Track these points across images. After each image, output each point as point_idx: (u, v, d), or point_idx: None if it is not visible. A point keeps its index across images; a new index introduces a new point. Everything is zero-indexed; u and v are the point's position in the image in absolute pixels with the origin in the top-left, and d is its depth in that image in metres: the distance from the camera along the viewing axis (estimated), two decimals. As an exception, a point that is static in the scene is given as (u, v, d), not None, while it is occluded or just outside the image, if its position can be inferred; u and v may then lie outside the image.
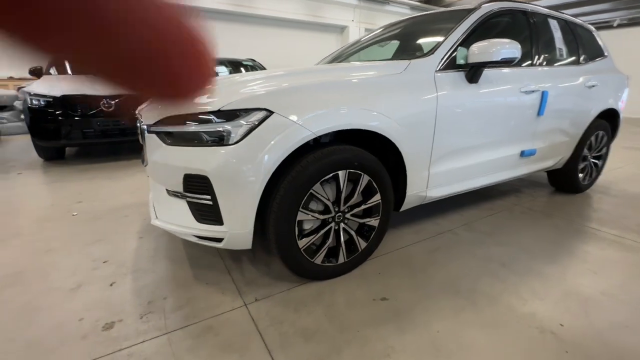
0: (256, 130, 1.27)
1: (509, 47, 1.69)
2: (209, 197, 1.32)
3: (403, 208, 1.84)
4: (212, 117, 1.28)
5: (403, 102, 1.58)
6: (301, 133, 1.31)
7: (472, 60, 1.74)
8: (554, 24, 2.46)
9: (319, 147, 1.46)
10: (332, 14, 10.25)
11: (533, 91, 2.12)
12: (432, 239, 2.06)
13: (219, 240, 1.39)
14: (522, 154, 2.23)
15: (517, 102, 2.05)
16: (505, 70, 2.04)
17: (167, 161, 1.37)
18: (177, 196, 1.42)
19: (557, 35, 2.46)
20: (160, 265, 1.76)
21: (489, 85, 1.91)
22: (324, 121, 1.35)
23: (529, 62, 2.23)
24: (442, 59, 1.77)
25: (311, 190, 1.41)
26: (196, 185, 1.33)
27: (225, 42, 8.86)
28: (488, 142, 2.01)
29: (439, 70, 1.75)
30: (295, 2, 9.47)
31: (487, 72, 1.92)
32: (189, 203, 1.40)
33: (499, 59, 1.69)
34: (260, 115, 1.28)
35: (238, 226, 1.35)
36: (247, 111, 1.28)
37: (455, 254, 1.88)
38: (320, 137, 1.48)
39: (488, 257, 1.85)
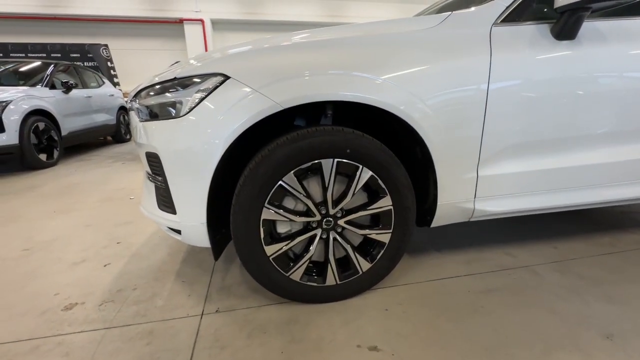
0: (207, 99, 1.02)
1: None
2: (161, 178, 1.14)
3: (436, 223, 1.30)
4: (168, 86, 1.10)
5: (429, 69, 1.09)
6: (261, 103, 1.00)
7: (562, 1, 1.11)
8: None
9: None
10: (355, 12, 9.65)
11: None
12: (491, 275, 1.42)
13: (179, 232, 1.19)
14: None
15: None
16: (632, 21, 1.26)
17: (138, 138, 1.26)
18: (149, 178, 1.30)
19: None
20: (158, 254, 1.69)
21: (597, 43, 1.20)
22: (295, 89, 1.01)
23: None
24: (509, 7, 1.18)
25: (281, 182, 1.07)
26: (154, 165, 1.17)
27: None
28: (594, 136, 1.27)
29: (501, 22, 1.17)
30: (312, 4, 9.24)
31: (595, 25, 1.22)
32: (155, 187, 1.25)
33: None
34: (213, 81, 1.03)
35: (190, 217, 1.12)
36: (202, 77, 1.05)
37: (522, 302, 1.22)
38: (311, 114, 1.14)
39: (582, 318, 1.13)
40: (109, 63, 8.15)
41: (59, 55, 7.67)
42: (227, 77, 1.03)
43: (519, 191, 1.28)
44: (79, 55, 7.82)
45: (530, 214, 1.38)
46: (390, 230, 1.20)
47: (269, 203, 1.09)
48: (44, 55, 7.59)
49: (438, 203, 1.23)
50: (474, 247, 1.69)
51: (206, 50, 9.20)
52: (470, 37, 1.13)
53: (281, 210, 1.11)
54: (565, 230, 1.86)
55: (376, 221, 1.21)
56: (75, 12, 8.46)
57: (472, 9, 1.21)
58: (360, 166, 1.11)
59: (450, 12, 1.19)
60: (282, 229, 1.18)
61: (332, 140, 1.07)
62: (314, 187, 1.14)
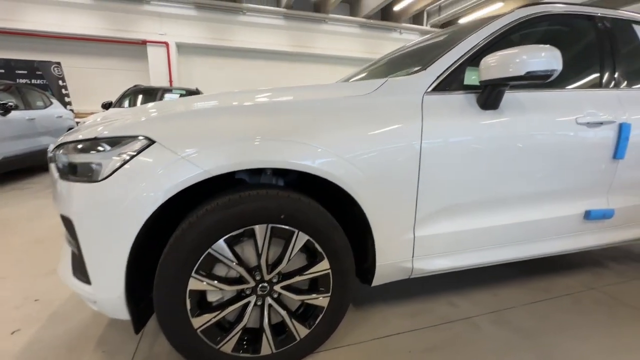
0: (129, 163, 0.96)
1: (543, 56, 1.11)
2: (75, 244, 1.03)
3: (377, 282, 1.29)
4: (88, 146, 1.02)
5: (362, 135, 1.11)
6: (187, 170, 0.96)
7: (485, 76, 1.20)
8: (643, 32, 1.72)
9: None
10: (324, 44, 10.25)
11: (602, 123, 1.41)
12: (434, 330, 1.42)
13: (95, 302, 1.07)
14: (588, 215, 1.47)
15: (573, 139, 1.37)
16: (549, 92, 1.41)
17: (54, 196, 1.14)
18: (66, 239, 1.17)
19: (650, 46, 1.70)
20: (81, 314, 1.51)
21: (517, 112, 1.31)
22: (224, 155, 0.98)
23: (597, 82, 1.53)
24: (439, 76, 1.27)
25: (209, 250, 1.01)
26: (68, 228, 1.06)
27: (207, 74, 9.36)
28: (520, 196, 1.36)
29: (432, 91, 1.24)
30: (280, 34, 9.69)
31: (516, 95, 1.33)
32: (72, 251, 1.13)
33: (523, 72, 1.12)
34: (137, 144, 0.97)
35: (105, 289, 1.01)
36: (124, 140, 0.98)
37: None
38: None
39: (513, 380, 1.15)
40: (60, 82, 7.67)
41: (3, 71, 7.10)
42: (152, 141, 0.97)
43: (455, 249, 1.32)
44: (26, 72, 7.29)
45: (468, 268, 1.42)
46: (329, 294, 1.17)
47: (196, 272, 1.01)
48: (-15, 70, 7.00)
49: (377, 264, 1.22)
50: (419, 296, 1.70)
51: (170, 72, 9.00)
52: (404, 105, 1.19)
53: (210, 280, 1.04)
54: (506, 275, 1.94)
55: (314, 285, 1.18)
56: (27, 27, 7.97)
57: (405, 77, 1.27)
58: (296, 231, 1.08)
59: (385, 80, 1.24)
60: (212, 297, 1.10)
61: (265, 206, 1.04)
62: (247, 252, 1.09)
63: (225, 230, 1.01)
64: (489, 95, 1.23)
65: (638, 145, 1.49)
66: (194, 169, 0.96)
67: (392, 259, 1.24)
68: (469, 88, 1.29)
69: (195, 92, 6.14)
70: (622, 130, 1.43)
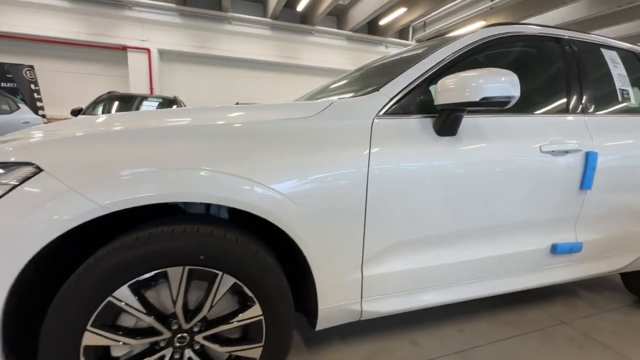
0: (10, 194, 0.80)
1: (500, 82, 1.02)
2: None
3: (321, 326, 1.14)
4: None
5: (299, 163, 0.98)
6: (79, 205, 0.80)
7: (440, 100, 1.10)
8: (610, 56, 1.67)
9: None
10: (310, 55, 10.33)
11: (567, 151, 1.33)
12: (390, 376, 1.27)
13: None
14: (555, 249, 1.38)
15: (536, 168, 1.28)
16: (513, 118, 1.32)
17: None
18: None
19: (618, 71, 1.65)
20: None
21: (477, 139, 1.20)
22: (124, 188, 0.83)
23: (563, 107, 1.46)
24: (392, 98, 1.16)
25: (110, 298, 0.85)
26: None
27: (190, 82, 9.32)
28: (481, 229, 1.25)
29: (384, 114, 1.13)
30: (265, 44, 9.77)
31: (477, 121, 1.24)
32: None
33: (478, 98, 1.02)
34: (22, 172, 0.81)
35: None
36: (7, 166, 0.83)
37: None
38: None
39: None
40: (32, 86, 7.35)
41: (-30, 73, 6.78)
42: (39, 169, 0.81)
43: (411, 289, 1.19)
44: (-5, 75, 6.98)
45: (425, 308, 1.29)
46: (262, 344, 1.01)
47: (93, 325, 0.85)
48: (-49, 71, 6.66)
49: (319, 307, 1.08)
50: (380, 332, 1.55)
51: (150, 79, 8.78)
52: (350, 130, 1.07)
53: (113, 333, 0.87)
54: (473, 307, 1.82)
55: (245, 334, 1.02)
56: (1, 28, 7.67)
57: (354, 99, 1.16)
58: (220, 273, 0.93)
59: (331, 101, 1.12)
60: (118, 352, 0.93)
61: (181, 246, 0.88)
62: (163, 297, 0.93)
63: (130, 275, 0.85)
64: (445, 121, 1.12)
65: (606, 175, 1.41)
66: (87, 204, 0.80)
67: (336, 300, 1.10)
68: (427, 112, 1.18)
69: (173, 101, 5.93)
70: (589, 160, 1.35)
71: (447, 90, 1.07)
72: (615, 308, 1.89)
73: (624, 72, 1.67)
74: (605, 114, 1.52)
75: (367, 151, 1.05)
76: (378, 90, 1.17)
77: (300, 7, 9.48)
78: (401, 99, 1.16)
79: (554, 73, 1.49)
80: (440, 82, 1.10)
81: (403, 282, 1.17)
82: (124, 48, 8.59)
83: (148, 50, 8.73)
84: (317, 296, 1.06)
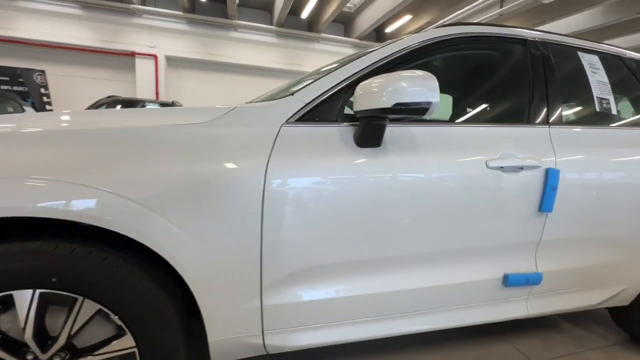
0: None
1: (415, 86, 0.87)
2: None
3: (219, 360, 1.00)
4: None
5: (179, 175, 0.85)
6: None
7: (357, 106, 0.96)
8: (590, 61, 1.49)
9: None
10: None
11: (522, 168, 1.15)
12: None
13: None
14: (507, 280, 1.19)
15: (481, 187, 1.11)
16: (455, 128, 1.16)
17: None
18: None
19: (597, 78, 1.46)
20: None
21: (407, 152, 1.05)
22: None
23: (523, 116, 1.28)
24: (309, 104, 1.02)
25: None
26: None
27: (196, 88, 9.44)
28: (412, 256, 1.08)
29: (296, 121, 1.00)
30: (271, 51, 9.75)
31: (411, 130, 1.09)
32: None
33: (390, 104, 0.87)
34: None
35: None
36: None
37: None
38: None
39: None
40: (42, 89, 7.60)
41: (-15, 76, 7.08)
42: None
43: (326, 321, 1.04)
44: (8, 79, 7.24)
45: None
46: (135, 381, 0.88)
47: None
48: (-34, 76, 6.98)
49: (209, 339, 0.94)
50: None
51: (157, 84, 8.94)
52: (249, 137, 0.94)
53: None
54: (430, 339, 1.63)
55: (116, 368, 0.90)
56: (17, 35, 8.01)
57: (261, 104, 1.03)
58: (80, 298, 0.82)
59: (234, 106, 1.00)
60: (-37, 385, 0.82)
61: (29, 267, 0.77)
62: (10, 323, 0.82)
63: (-35, 299, 0.75)
64: (364, 130, 0.98)
65: (572, 196, 1.22)
66: None
67: (230, 332, 0.96)
68: (353, 120, 1.04)
69: (171, 105, 6.00)
70: (549, 178, 1.16)
71: (362, 96, 0.94)
72: (601, 347, 1.66)
73: (605, 79, 1.48)
74: (575, 125, 1.34)
75: (265, 163, 0.91)
76: (293, 94, 1.04)
77: (304, 15, 9.49)
78: (320, 105, 1.03)
79: (515, 78, 1.33)
80: (358, 86, 0.97)
81: (315, 314, 1.02)
82: (133, 54, 8.80)
83: (155, 57, 8.91)
84: (205, 327, 0.93)
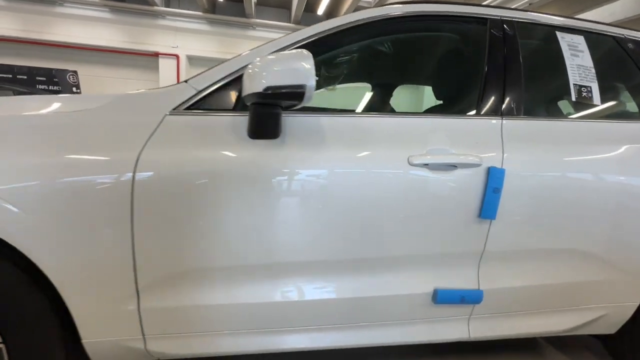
0: None
1: (286, 66, 0.76)
2: None
3: (99, 365, 0.94)
4: None
5: (41, 166, 0.80)
6: None
7: (242, 92, 0.86)
8: (571, 43, 1.26)
9: None
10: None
11: (455, 166, 0.98)
12: None
13: None
14: (436, 297, 1.02)
15: (400, 186, 0.96)
16: (373, 119, 1.01)
17: None
18: None
19: (578, 62, 1.24)
20: None
21: (310, 145, 0.93)
22: None
23: (470, 107, 1.10)
24: (202, 91, 0.94)
25: None
26: None
27: None
28: (307, 264, 0.96)
29: (185, 109, 0.92)
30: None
31: (320, 120, 0.96)
32: None
33: (261, 88, 0.77)
34: None
35: None
36: None
37: None
38: None
39: None
40: (74, 89, 8.15)
41: (25, 77, 7.70)
42: None
43: (208, 330, 0.94)
44: (45, 79, 7.85)
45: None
46: (3, 380, 0.85)
47: None
48: (10, 76, 7.62)
49: (82, 340, 0.89)
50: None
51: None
52: (127, 126, 0.87)
53: None
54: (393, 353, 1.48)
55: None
56: (53, 38, 8.67)
57: (150, 91, 0.96)
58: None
59: (118, 95, 0.93)
60: None
61: None
62: None
63: None
64: (253, 119, 0.87)
65: (522, 200, 1.02)
66: None
67: (107, 335, 0.90)
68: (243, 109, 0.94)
69: None
70: (490, 178, 0.98)
71: (245, 79, 0.83)
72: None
73: (589, 63, 1.25)
74: (539, 118, 1.13)
75: (137, 154, 0.84)
76: (186, 81, 0.96)
77: (320, 11, 9.37)
78: (215, 93, 0.94)
79: (465, 63, 1.15)
80: (246, 68, 0.86)
81: (197, 321, 0.93)
82: (156, 54, 9.20)
83: (177, 57, 9.24)
84: (77, 327, 0.87)
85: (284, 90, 0.76)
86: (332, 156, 0.93)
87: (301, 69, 0.75)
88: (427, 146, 0.99)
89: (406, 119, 1.02)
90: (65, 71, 8.10)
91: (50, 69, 7.99)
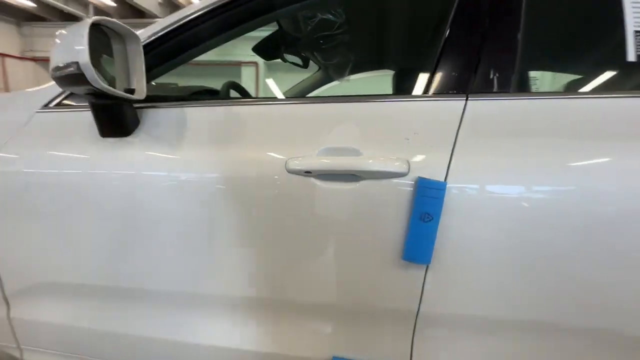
0: None
1: (61, 39, 0.60)
2: None
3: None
4: None
5: None
6: None
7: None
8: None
9: None
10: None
11: (357, 176, 0.63)
12: None
13: None
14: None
15: (272, 201, 0.66)
16: (266, 107, 0.74)
17: None
18: None
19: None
20: None
21: (161, 142, 0.73)
22: None
23: (421, 82, 0.72)
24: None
25: None
26: None
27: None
28: (164, 294, 0.76)
29: (55, 106, 0.84)
30: None
31: (186, 113, 0.76)
32: None
33: (50, 72, 0.61)
34: None
35: None
36: None
37: None
38: None
39: None
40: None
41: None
42: None
43: (69, 351, 0.84)
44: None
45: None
46: None
47: None
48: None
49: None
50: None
51: (257, 89, 10.00)
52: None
53: None
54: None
55: None
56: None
57: (33, 88, 0.90)
58: None
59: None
60: None
61: None
62: None
63: None
64: (93, 112, 0.72)
65: (484, 234, 0.60)
66: None
67: (-13, 338, 0.88)
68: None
69: None
70: (418, 197, 0.60)
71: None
72: None
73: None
74: (541, 94, 0.67)
75: (-4, 153, 0.79)
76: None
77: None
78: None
79: (413, 21, 0.76)
80: None
81: (61, 340, 0.83)
82: (239, 64, 10.09)
83: (256, 64, 9.95)
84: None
85: (64, 72, 0.58)
86: (184, 157, 0.71)
87: (72, 43, 0.57)
88: (322, 144, 0.67)
89: (299, 105, 0.73)
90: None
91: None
